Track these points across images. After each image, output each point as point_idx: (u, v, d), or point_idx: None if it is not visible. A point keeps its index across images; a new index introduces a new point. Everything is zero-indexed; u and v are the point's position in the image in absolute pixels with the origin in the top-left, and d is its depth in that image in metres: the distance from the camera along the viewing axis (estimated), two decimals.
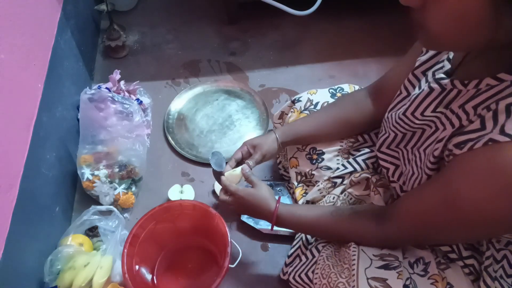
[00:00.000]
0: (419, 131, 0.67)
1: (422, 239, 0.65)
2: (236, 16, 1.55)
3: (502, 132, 0.47)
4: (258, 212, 0.80)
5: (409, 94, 0.70)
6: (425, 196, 0.60)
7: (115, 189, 1.04)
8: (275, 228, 0.96)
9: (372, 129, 0.89)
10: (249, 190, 0.80)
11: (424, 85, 0.64)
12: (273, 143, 0.87)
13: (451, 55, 0.62)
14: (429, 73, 0.65)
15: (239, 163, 0.87)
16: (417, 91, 0.66)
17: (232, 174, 0.84)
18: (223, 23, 1.57)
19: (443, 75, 0.61)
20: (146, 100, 1.24)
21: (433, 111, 0.62)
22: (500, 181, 0.47)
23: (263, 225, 1.00)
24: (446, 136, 0.57)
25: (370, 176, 0.80)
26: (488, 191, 0.48)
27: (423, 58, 0.67)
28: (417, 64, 0.68)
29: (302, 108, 0.95)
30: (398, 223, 0.64)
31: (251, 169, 0.83)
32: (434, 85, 0.61)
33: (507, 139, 0.46)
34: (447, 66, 0.61)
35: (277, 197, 0.81)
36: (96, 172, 1.03)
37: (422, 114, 0.64)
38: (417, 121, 0.66)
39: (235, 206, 0.82)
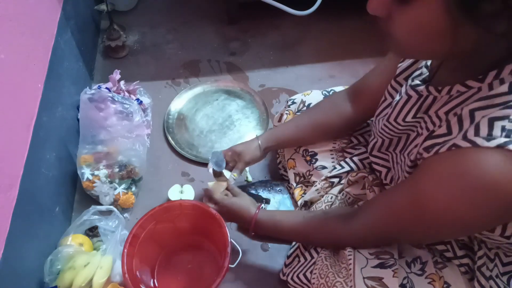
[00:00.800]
0: (404, 135, 0.68)
1: (387, 237, 0.66)
2: (236, 16, 1.55)
3: (465, 138, 0.48)
4: (240, 217, 0.85)
5: (393, 99, 0.71)
6: (394, 195, 0.61)
7: (115, 189, 1.04)
8: None
9: (352, 130, 0.91)
10: (232, 199, 0.86)
11: (403, 92, 0.66)
12: (256, 150, 0.91)
13: (429, 62, 0.63)
14: (410, 80, 0.66)
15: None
16: (397, 97, 0.68)
17: (218, 184, 0.90)
18: (223, 23, 1.57)
19: (419, 82, 0.62)
20: (146, 100, 1.24)
21: (414, 116, 0.63)
22: (461, 185, 0.48)
23: None
24: (421, 141, 0.59)
25: (367, 175, 0.81)
26: (450, 194, 0.49)
27: (404, 65, 0.69)
28: (398, 71, 0.70)
29: (296, 110, 0.96)
30: (364, 220, 0.66)
31: (234, 178, 0.91)
32: (411, 92, 0.63)
33: (468, 144, 0.47)
34: (425, 73, 0.63)
35: (279, 204, 0.84)
36: (96, 172, 1.03)
37: (403, 120, 0.65)
38: (399, 127, 0.67)
39: (220, 214, 0.86)
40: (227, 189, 0.90)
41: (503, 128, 0.46)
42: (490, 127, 0.47)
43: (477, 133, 0.47)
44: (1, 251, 0.71)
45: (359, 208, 0.71)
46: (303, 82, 1.37)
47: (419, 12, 0.44)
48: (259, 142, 0.91)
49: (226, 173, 0.91)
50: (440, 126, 0.56)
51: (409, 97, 0.63)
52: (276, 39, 1.52)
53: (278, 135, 0.92)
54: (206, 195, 0.89)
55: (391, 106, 0.69)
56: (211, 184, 0.91)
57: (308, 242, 0.81)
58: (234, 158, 0.93)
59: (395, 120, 0.67)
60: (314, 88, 1.00)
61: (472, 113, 0.50)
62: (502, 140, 0.45)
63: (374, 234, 0.66)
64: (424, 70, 0.63)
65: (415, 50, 0.51)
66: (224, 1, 1.52)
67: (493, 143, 0.45)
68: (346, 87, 0.97)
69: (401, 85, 0.70)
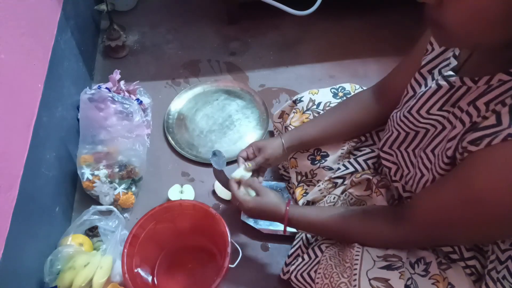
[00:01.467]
0: (422, 131, 0.67)
1: (440, 239, 0.64)
2: (236, 16, 1.55)
3: None
4: (270, 217, 0.81)
5: (415, 93, 0.69)
6: (443, 195, 0.58)
7: (115, 189, 1.04)
8: (275, 228, 0.97)
9: (377, 128, 0.89)
10: (257, 199, 0.80)
11: (430, 83, 0.64)
12: (279, 148, 0.87)
13: (457, 52, 0.61)
14: (436, 71, 0.64)
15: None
16: (423, 89, 0.66)
17: (239, 176, 0.84)
18: (223, 23, 1.57)
19: (451, 72, 0.60)
20: (146, 100, 1.24)
21: (439, 109, 0.61)
22: None
23: (263, 225, 1.00)
24: (459, 134, 0.56)
25: (371, 178, 0.80)
26: (508, 186, 0.48)
27: (429, 56, 0.67)
28: (423, 63, 0.68)
29: (305, 109, 0.95)
30: (416, 223, 0.63)
31: (251, 169, 0.84)
32: (442, 82, 0.60)
33: None
34: (454, 63, 0.61)
35: (286, 200, 0.81)
36: (96, 172, 1.03)
37: (428, 112, 0.63)
38: (422, 120, 0.65)
39: (245, 213, 0.82)
40: (248, 185, 0.84)
41: None
42: None
43: None
44: (1, 251, 0.71)
45: (403, 210, 0.67)
46: (303, 82, 1.37)
47: None
48: (282, 140, 0.87)
49: (240, 160, 0.86)
50: (483, 118, 0.53)
51: (439, 87, 0.61)
52: (276, 39, 1.52)
53: (303, 135, 0.88)
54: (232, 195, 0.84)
55: (414, 98, 0.67)
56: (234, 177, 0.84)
57: (343, 238, 0.78)
58: (255, 154, 0.88)
59: (417, 111, 0.65)
60: (315, 88, 1.00)
61: None
62: None
63: (424, 235, 0.63)
64: (453, 60, 0.61)
65: (466, 39, 0.48)
66: (224, 1, 1.52)
67: None
68: (352, 84, 0.97)
69: (424, 78, 0.67)
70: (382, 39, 1.48)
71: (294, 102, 0.98)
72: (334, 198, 0.84)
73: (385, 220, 0.68)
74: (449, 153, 0.57)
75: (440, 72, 0.63)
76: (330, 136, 0.88)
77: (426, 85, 0.65)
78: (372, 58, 1.44)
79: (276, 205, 0.79)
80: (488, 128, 0.51)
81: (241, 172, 0.84)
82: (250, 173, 0.85)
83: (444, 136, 0.60)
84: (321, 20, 1.53)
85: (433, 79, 0.64)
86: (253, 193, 0.83)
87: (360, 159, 0.85)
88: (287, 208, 0.77)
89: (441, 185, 0.61)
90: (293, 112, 0.97)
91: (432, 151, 0.62)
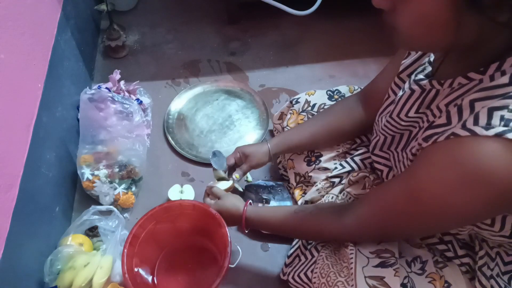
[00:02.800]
0: (406, 132, 0.68)
1: (382, 231, 0.66)
2: (236, 16, 1.55)
3: (464, 127, 0.48)
4: (231, 218, 0.85)
5: (396, 97, 0.71)
6: (390, 188, 0.61)
7: (115, 189, 1.04)
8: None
9: (364, 133, 0.90)
10: (218, 202, 0.86)
11: (406, 87, 0.66)
12: (265, 156, 0.92)
13: (432, 57, 0.63)
14: (413, 76, 0.66)
15: (231, 168, 0.94)
16: (400, 93, 0.68)
17: (222, 184, 0.90)
18: (223, 23, 1.57)
19: (422, 77, 0.62)
20: (146, 100, 1.24)
21: (416, 111, 0.63)
22: (458, 174, 0.48)
23: None
24: (421, 133, 0.59)
25: (368, 175, 0.80)
26: (447, 183, 0.49)
27: (407, 61, 0.69)
28: (401, 68, 0.70)
29: (300, 110, 0.95)
30: (358, 213, 0.66)
31: (239, 180, 0.92)
32: (414, 87, 0.63)
33: (467, 133, 0.48)
34: (428, 68, 0.63)
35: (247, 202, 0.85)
36: (96, 172, 1.03)
37: (406, 115, 0.65)
38: (402, 123, 0.67)
39: None
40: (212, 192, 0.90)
41: (502, 118, 0.46)
42: (489, 116, 0.47)
43: (476, 122, 0.47)
44: (1, 251, 0.71)
45: (352, 202, 0.71)
46: (303, 82, 1.37)
47: (422, 3, 0.45)
48: (269, 147, 0.91)
49: (232, 175, 0.91)
50: (440, 117, 0.56)
51: (412, 91, 0.63)
52: (276, 39, 1.52)
53: (288, 141, 0.91)
54: (206, 195, 0.90)
55: (394, 102, 0.69)
56: (216, 184, 0.90)
57: (298, 235, 0.82)
58: (241, 160, 0.93)
59: (398, 115, 0.67)
60: (314, 88, 1.00)
61: (472, 103, 0.50)
62: (501, 129, 0.45)
63: (367, 228, 0.66)
64: (427, 65, 0.63)
65: (419, 42, 0.51)
66: (224, 1, 1.52)
67: (492, 132, 0.45)
68: (349, 86, 0.97)
69: (404, 82, 0.70)
70: (382, 39, 1.48)
71: (291, 103, 0.99)
72: (332, 197, 0.84)
73: (334, 213, 0.71)
74: (413, 151, 0.60)
75: (414, 77, 0.65)
76: (316, 142, 0.91)
77: (403, 89, 0.68)
78: (372, 58, 1.44)
79: (235, 206, 0.84)
80: (439, 127, 0.54)
81: (227, 184, 0.90)
82: (230, 183, 0.91)
83: (417, 136, 0.62)
84: (321, 20, 1.53)
85: (408, 83, 0.66)
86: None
87: (356, 158, 0.85)
88: (245, 208, 0.82)
89: (392, 180, 0.64)
90: (290, 113, 0.97)
91: (410, 150, 0.64)
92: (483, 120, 0.47)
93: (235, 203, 0.85)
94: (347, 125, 0.87)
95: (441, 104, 0.57)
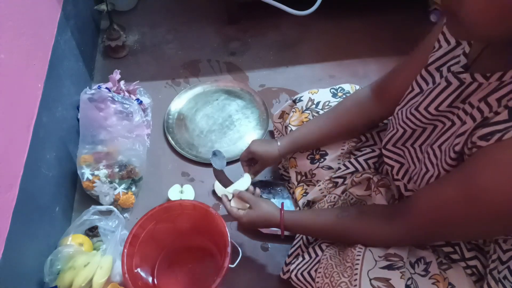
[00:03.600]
0: (429, 127, 0.66)
1: (437, 235, 0.64)
2: (236, 16, 1.55)
3: None
4: (266, 225, 0.83)
5: (421, 90, 0.69)
6: (445, 191, 0.58)
7: (115, 189, 1.04)
8: (275, 228, 0.97)
9: (375, 128, 0.89)
10: (249, 213, 0.82)
11: (439, 80, 0.63)
12: (275, 156, 0.91)
13: (467, 49, 0.61)
14: (444, 68, 0.64)
15: (248, 161, 0.93)
16: (431, 86, 0.65)
17: (244, 186, 0.89)
18: (223, 23, 1.57)
19: (461, 69, 0.60)
20: (146, 100, 1.24)
21: (449, 105, 0.61)
22: None
23: None
24: (468, 129, 0.56)
25: (371, 176, 0.80)
26: None
27: (437, 54, 0.66)
28: (430, 60, 0.67)
29: (304, 108, 0.95)
30: (413, 219, 0.63)
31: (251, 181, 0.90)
32: (452, 79, 0.60)
33: None
34: (464, 61, 0.61)
35: (279, 205, 0.82)
36: (96, 172, 1.03)
37: (436, 108, 0.63)
38: (429, 116, 0.64)
39: (245, 227, 0.85)
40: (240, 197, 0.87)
41: None
42: None
43: None
44: (1, 251, 0.71)
45: (401, 206, 0.67)
46: (303, 82, 1.37)
47: None
48: (279, 148, 0.89)
49: (246, 176, 0.91)
50: (495, 113, 0.52)
51: (449, 84, 0.60)
52: (276, 39, 1.52)
53: (298, 139, 0.90)
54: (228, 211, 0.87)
55: (422, 94, 0.67)
56: (234, 186, 0.89)
57: (342, 240, 0.78)
58: (251, 160, 0.92)
59: (425, 108, 0.64)
60: (314, 88, 1.00)
61: None
62: None
63: (420, 235, 0.63)
64: (463, 58, 0.61)
65: (485, 31, 0.48)
66: (224, 1, 1.52)
67: None
68: (352, 85, 0.96)
69: (432, 75, 0.67)
70: (382, 39, 1.48)
71: (294, 101, 0.98)
72: (334, 197, 0.84)
73: (382, 218, 0.68)
74: (457, 148, 0.57)
75: (449, 69, 0.62)
76: (327, 138, 0.89)
77: (434, 82, 0.65)
78: (372, 58, 1.44)
79: (269, 214, 0.81)
80: (499, 124, 0.50)
81: (234, 186, 0.89)
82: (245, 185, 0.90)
83: (453, 132, 0.60)
84: (321, 20, 1.53)
85: (441, 76, 0.63)
86: (246, 205, 0.85)
87: (360, 159, 0.85)
88: (282, 214, 0.79)
89: (444, 181, 0.60)
90: (292, 111, 0.97)
91: (439, 146, 0.62)
92: None
93: (269, 210, 0.81)
94: (359, 119, 0.85)
95: (491, 99, 0.53)
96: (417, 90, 0.69)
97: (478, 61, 0.58)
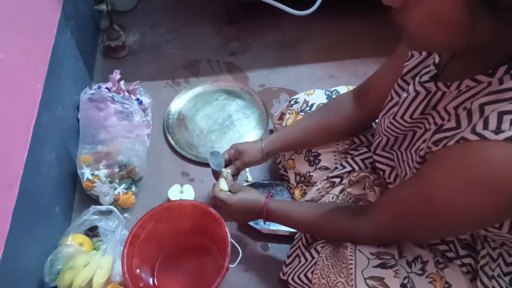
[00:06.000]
0: (410, 133, 0.68)
1: (399, 234, 0.67)
2: (236, 16, 1.55)
3: (473, 131, 0.48)
4: (251, 210, 0.83)
5: (400, 98, 0.71)
6: (403, 191, 0.61)
7: (115, 189, 1.04)
8: (275, 228, 0.97)
9: (357, 132, 0.90)
10: (239, 194, 0.84)
11: (411, 89, 0.66)
12: (258, 153, 0.91)
13: (437, 59, 0.63)
14: (417, 78, 0.66)
15: (227, 164, 0.93)
16: (404, 95, 0.68)
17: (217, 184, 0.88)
18: (223, 23, 1.57)
19: (427, 79, 0.62)
20: (146, 100, 1.24)
21: (421, 113, 0.63)
22: (468, 177, 0.48)
23: (263, 225, 1.00)
24: (429, 135, 0.59)
25: (368, 175, 0.80)
26: (457, 187, 0.50)
27: (412, 64, 0.69)
28: (405, 70, 0.70)
29: (299, 110, 0.96)
30: (375, 217, 0.66)
31: (232, 175, 0.89)
32: (419, 88, 0.62)
33: (477, 138, 0.47)
34: (434, 71, 0.63)
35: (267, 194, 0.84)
36: (96, 172, 1.03)
37: (411, 117, 0.65)
38: (406, 124, 0.67)
39: (230, 212, 0.85)
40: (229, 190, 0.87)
41: None
42: (499, 120, 0.47)
43: (485, 127, 0.47)
44: (1, 251, 0.71)
45: (369, 204, 0.71)
46: (303, 82, 1.37)
47: (436, 1, 0.44)
48: (262, 145, 0.91)
49: (224, 170, 0.90)
50: (449, 121, 0.56)
51: (417, 93, 0.63)
52: (276, 39, 1.52)
53: (283, 139, 0.91)
54: (212, 199, 0.88)
55: (397, 104, 0.69)
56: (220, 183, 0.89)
57: (317, 234, 0.81)
58: (235, 156, 0.92)
59: (402, 117, 0.67)
60: (314, 88, 1.00)
61: (481, 107, 0.50)
62: (511, 133, 0.45)
63: (383, 230, 0.66)
64: (432, 67, 0.63)
65: (429, 42, 0.50)
66: (224, 1, 1.52)
67: (502, 136, 0.45)
68: (349, 86, 0.97)
69: (408, 84, 0.69)
70: (382, 39, 1.48)
71: (290, 103, 0.99)
72: (332, 197, 0.84)
73: (352, 214, 0.71)
74: (421, 153, 0.60)
75: (419, 78, 0.65)
76: (308, 141, 0.91)
77: (407, 91, 0.67)
78: (372, 58, 1.44)
79: (256, 197, 0.83)
80: (449, 131, 0.54)
81: (225, 183, 0.87)
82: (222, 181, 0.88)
83: (424, 138, 0.62)
84: (321, 20, 1.53)
85: (413, 85, 0.66)
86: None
87: (357, 159, 0.85)
88: (267, 200, 0.81)
89: (404, 183, 0.64)
90: (289, 113, 0.98)
91: (415, 151, 0.64)
92: (492, 124, 0.47)
93: (256, 195, 0.84)
94: (339, 122, 0.87)
95: (449, 107, 0.57)
96: (396, 98, 0.72)
97: (445, 71, 0.60)
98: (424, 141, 0.61)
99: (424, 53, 0.66)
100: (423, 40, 0.50)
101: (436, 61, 0.63)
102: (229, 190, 0.86)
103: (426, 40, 0.50)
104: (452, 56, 0.59)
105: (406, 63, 0.70)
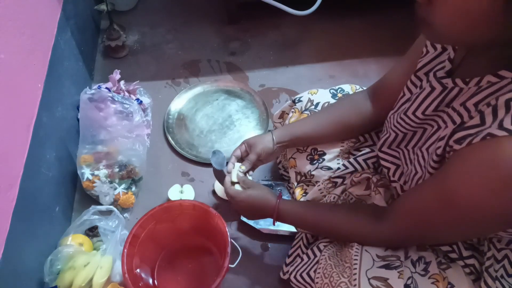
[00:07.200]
0: (420, 130, 0.67)
1: (419, 238, 0.66)
2: (236, 16, 1.55)
3: (501, 126, 0.47)
4: (261, 209, 0.81)
5: (412, 95, 0.70)
6: (423, 194, 0.60)
7: (115, 189, 1.04)
8: (275, 228, 0.97)
9: (371, 130, 0.89)
10: (248, 191, 0.81)
11: (425, 85, 0.65)
12: (269, 143, 0.87)
13: (452, 55, 0.62)
14: (431, 74, 0.65)
15: (240, 160, 0.89)
16: (417, 91, 0.67)
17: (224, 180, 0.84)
18: (223, 23, 1.57)
19: (443, 74, 0.61)
20: (146, 100, 1.24)
21: (435, 110, 0.62)
22: (497, 176, 0.47)
23: (263, 225, 1.00)
24: (448, 133, 0.57)
25: (371, 176, 0.80)
26: (485, 186, 0.48)
27: (425, 59, 0.68)
28: (419, 65, 0.68)
29: (303, 108, 0.95)
30: (395, 222, 0.65)
31: (246, 171, 0.85)
32: (435, 84, 0.61)
33: (505, 133, 0.46)
34: (448, 66, 0.62)
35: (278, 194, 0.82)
36: (96, 172, 1.03)
37: (423, 113, 0.64)
38: (417, 120, 0.66)
39: (238, 209, 0.83)
40: (237, 182, 0.84)
41: None
42: None
43: None
44: (1, 251, 0.71)
45: (388, 208, 0.68)
46: (303, 82, 1.37)
47: None
48: (273, 136, 0.87)
49: (236, 165, 0.86)
50: (470, 117, 0.54)
51: (433, 89, 0.62)
52: (276, 39, 1.52)
53: (294, 131, 0.88)
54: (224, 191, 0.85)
55: (409, 100, 0.68)
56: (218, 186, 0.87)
57: (332, 237, 0.79)
58: (247, 151, 0.89)
59: (413, 113, 0.66)
60: (315, 88, 1.00)
61: (508, 103, 0.48)
62: None
63: (405, 233, 0.64)
64: (447, 63, 0.62)
65: (456, 37, 0.49)
66: (224, 1, 1.52)
67: None
68: (352, 85, 0.97)
69: (421, 80, 0.68)
70: (382, 39, 1.48)
71: (294, 102, 0.98)
72: (334, 198, 0.84)
73: (368, 219, 0.70)
74: (439, 151, 0.58)
75: (434, 74, 0.64)
76: (321, 135, 0.88)
77: (421, 87, 0.66)
78: (372, 58, 1.44)
79: (267, 196, 0.80)
80: (472, 128, 0.52)
81: (235, 175, 0.84)
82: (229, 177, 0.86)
83: (438, 135, 0.61)
84: (321, 20, 1.53)
85: (427, 81, 0.65)
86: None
87: (359, 159, 0.85)
88: (278, 200, 0.79)
89: (423, 185, 0.62)
90: (292, 111, 0.97)
91: (427, 149, 0.63)
92: None
93: (267, 193, 0.80)
94: (354, 120, 0.85)
95: (469, 104, 0.55)
96: (408, 95, 0.71)
97: (461, 67, 0.59)
98: (439, 139, 0.59)
99: (439, 49, 0.65)
100: (449, 35, 0.49)
101: (452, 57, 0.62)
102: (238, 183, 0.83)
103: (452, 35, 0.48)
104: (469, 51, 0.57)
105: (420, 59, 0.68)
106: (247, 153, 0.88)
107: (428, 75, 0.66)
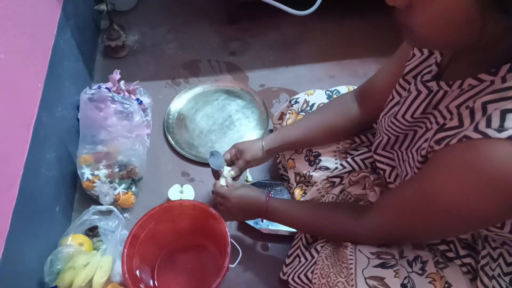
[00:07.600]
0: (411, 132, 0.68)
1: (399, 235, 0.67)
2: (236, 16, 1.55)
3: (476, 129, 0.48)
4: (251, 207, 0.83)
5: (401, 98, 0.71)
6: (403, 191, 0.61)
7: (115, 189, 1.04)
8: (275, 228, 0.97)
9: (359, 132, 0.90)
10: (240, 189, 0.84)
11: (412, 89, 0.66)
12: (259, 151, 0.90)
13: (439, 59, 0.63)
14: (419, 77, 0.66)
15: (229, 164, 0.92)
16: (405, 94, 0.68)
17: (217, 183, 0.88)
18: (223, 23, 1.57)
19: (429, 78, 0.62)
20: (146, 100, 1.24)
21: (423, 112, 0.63)
22: (470, 176, 0.48)
23: (263, 225, 1.00)
24: (431, 135, 0.59)
25: (368, 175, 0.80)
26: (460, 186, 0.49)
27: (413, 63, 0.69)
28: (407, 69, 0.70)
29: (299, 110, 0.95)
30: (375, 218, 0.66)
31: (235, 176, 0.90)
32: (421, 87, 0.63)
33: (479, 136, 0.47)
34: (435, 70, 0.63)
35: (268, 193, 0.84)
36: (96, 172, 1.03)
37: (412, 116, 0.65)
38: (407, 123, 0.67)
39: (229, 208, 0.85)
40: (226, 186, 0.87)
41: None
42: (502, 119, 0.46)
43: (488, 125, 0.47)
44: (1, 251, 0.71)
45: (370, 204, 0.70)
46: (303, 82, 1.37)
47: (444, 1, 0.43)
48: (263, 143, 0.90)
49: (225, 169, 0.89)
50: (451, 120, 0.55)
51: (419, 92, 0.63)
52: (276, 39, 1.52)
53: (283, 137, 0.91)
54: (215, 193, 0.88)
55: (398, 104, 0.69)
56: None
57: (318, 233, 0.81)
58: (236, 156, 0.92)
59: (403, 116, 0.67)
60: (314, 88, 1.00)
61: (484, 105, 0.50)
62: None
63: (384, 230, 0.66)
64: (434, 67, 0.63)
65: (436, 41, 0.50)
66: (224, 1, 1.52)
67: (504, 135, 0.45)
68: (349, 86, 0.97)
69: (409, 84, 0.69)
70: (382, 39, 1.48)
71: (291, 103, 0.99)
72: (332, 197, 0.84)
73: (353, 214, 0.71)
74: (423, 152, 0.60)
75: (421, 78, 0.65)
76: (311, 139, 0.90)
77: (409, 91, 0.67)
78: (372, 58, 1.44)
79: (257, 195, 0.83)
80: (451, 129, 0.53)
81: (225, 182, 0.87)
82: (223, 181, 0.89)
83: (426, 137, 0.62)
84: (321, 20, 1.53)
85: (415, 85, 0.66)
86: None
87: (357, 158, 0.85)
88: (267, 198, 0.81)
89: (405, 183, 0.64)
90: (289, 113, 0.98)
91: (416, 150, 0.64)
92: (495, 123, 0.47)
93: (257, 192, 0.84)
94: (342, 122, 0.87)
95: (451, 106, 0.56)
96: (397, 98, 0.72)
97: (447, 70, 0.60)
98: (425, 141, 0.61)
99: (426, 53, 0.66)
100: (430, 39, 0.49)
101: (438, 61, 0.63)
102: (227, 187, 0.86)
103: (432, 39, 0.49)
104: (454, 55, 0.58)
105: (407, 63, 0.70)
106: (236, 157, 0.92)
107: (416, 79, 0.67)
